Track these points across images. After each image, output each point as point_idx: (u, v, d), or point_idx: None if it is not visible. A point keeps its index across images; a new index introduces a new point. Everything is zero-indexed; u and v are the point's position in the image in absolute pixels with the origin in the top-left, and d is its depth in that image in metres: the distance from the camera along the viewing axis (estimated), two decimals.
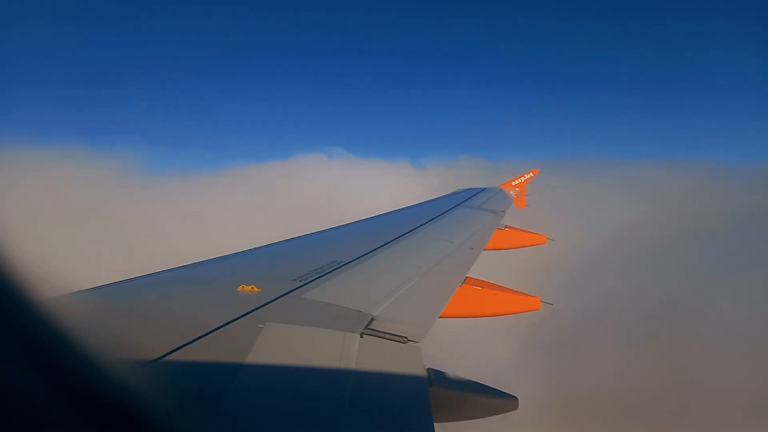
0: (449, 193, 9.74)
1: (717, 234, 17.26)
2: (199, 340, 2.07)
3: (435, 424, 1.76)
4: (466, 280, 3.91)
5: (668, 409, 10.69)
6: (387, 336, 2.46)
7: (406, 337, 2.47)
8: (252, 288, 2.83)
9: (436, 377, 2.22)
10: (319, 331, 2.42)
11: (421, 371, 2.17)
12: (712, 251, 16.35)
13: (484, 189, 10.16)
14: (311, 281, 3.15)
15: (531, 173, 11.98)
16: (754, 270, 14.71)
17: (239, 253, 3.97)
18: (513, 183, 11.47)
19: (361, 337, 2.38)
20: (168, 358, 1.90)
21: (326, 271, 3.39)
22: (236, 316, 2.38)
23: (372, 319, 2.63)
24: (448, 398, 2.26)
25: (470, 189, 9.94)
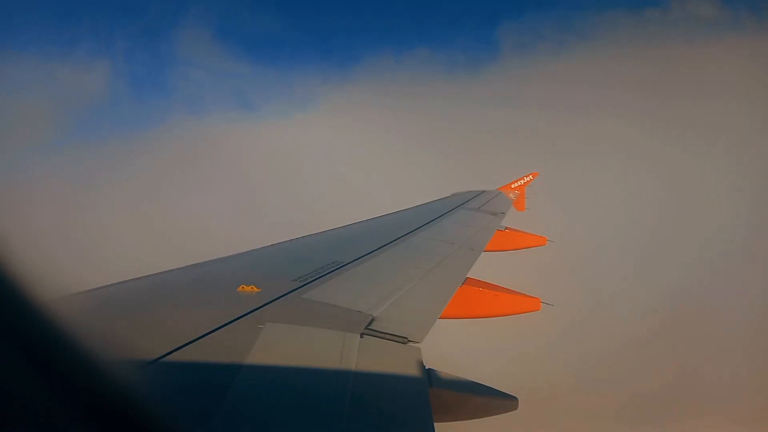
0: (449, 195, 9.76)
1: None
2: (199, 341, 2.07)
3: (435, 424, 1.76)
4: (467, 281, 3.91)
5: (669, 410, 10.69)
6: (387, 336, 2.46)
7: (407, 338, 2.47)
8: (252, 288, 2.83)
9: (436, 378, 2.22)
10: (319, 331, 2.42)
11: (421, 372, 2.16)
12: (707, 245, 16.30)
13: (484, 191, 10.19)
14: (311, 281, 3.15)
15: (530, 176, 12.02)
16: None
17: (239, 254, 3.97)
18: (512, 186, 11.50)
19: (361, 337, 2.38)
20: (168, 358, 1.90)
21: (326, 272, 3.39)
22: (236, 317, 2.38)
23: (372, 320, 2.63)
24: (448, 398, 2.26)
25: (470, 191, 9.97)
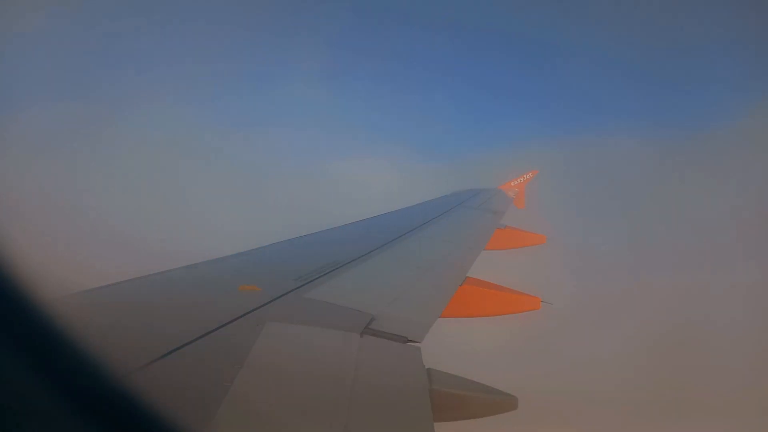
0: (449, 193, 9.76)
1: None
2: (199, 340, 2.07)
3: (435, 423, 1.76)
4: (466, 280, 3.91)
5: (668, 410, 10.70)
6: (387, 336, 2.47)
7: (406, 337, 2.48)
8: (252, 288, 2.84)
9: (436, 377, 2.22)
10: (320, 330, 2.43)
11: (420, 371, 2.17)
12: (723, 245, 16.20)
13: (484, 189, 10.19)
14: (311, 281, 3.15)
15: (530, 174, 12.02)
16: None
17: (240, 254, 3.97)
18: (512, 183, 11.51)
19: (361, 336, 2.39)
20: (168, 357, 1.90)
21: (326, 271, 3.40)
22: (237, 316, 2.38)
23: (372, 319, 2.64)
24: (447, 398, 2.26)
25: (470, 190, 9.97)
